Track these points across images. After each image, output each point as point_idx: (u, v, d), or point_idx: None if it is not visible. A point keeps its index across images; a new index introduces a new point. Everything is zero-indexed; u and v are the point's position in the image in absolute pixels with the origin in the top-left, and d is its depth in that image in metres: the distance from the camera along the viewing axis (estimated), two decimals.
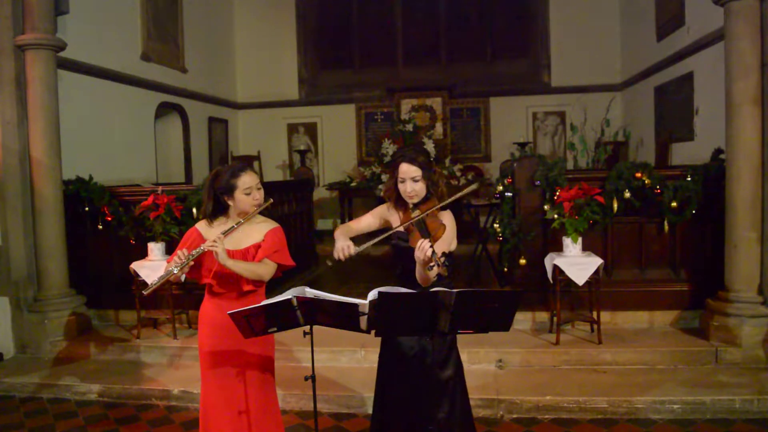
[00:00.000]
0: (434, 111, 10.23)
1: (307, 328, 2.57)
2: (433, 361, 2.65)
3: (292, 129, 11.03)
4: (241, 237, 2.80)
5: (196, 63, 9.06)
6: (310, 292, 2.44)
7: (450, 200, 2.61)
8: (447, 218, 2.64)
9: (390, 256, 2.83)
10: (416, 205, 2.64)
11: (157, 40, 8.05)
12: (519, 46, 10.68)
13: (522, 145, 9.34)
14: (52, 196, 5.16)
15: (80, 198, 5.44)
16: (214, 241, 2.62)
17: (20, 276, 5.16)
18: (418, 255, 2.36)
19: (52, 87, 5.18)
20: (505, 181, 5.23)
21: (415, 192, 2.63)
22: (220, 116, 10.16)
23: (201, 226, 2.87)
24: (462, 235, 9.22)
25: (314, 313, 2.48)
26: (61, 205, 5.24)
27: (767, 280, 4.42)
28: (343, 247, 2.58)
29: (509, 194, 5.14)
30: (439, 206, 2.61)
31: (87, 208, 5.45)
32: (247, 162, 10.03)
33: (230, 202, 2.80)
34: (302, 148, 10.58)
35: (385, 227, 2.78)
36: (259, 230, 2.84)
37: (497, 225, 5.25)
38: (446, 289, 2.28)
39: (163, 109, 8.32)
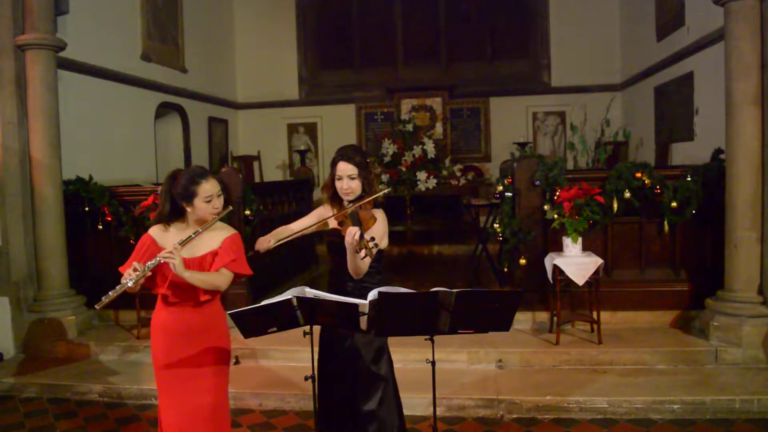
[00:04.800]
0: (434, 111, 10.23)
1: (307, 328, 2.57)
2: (365, 355, 2.79)
3: (292, 129, 11.03)
4: (197, 244, 2.67)
5: (196, 63, 9.06)
6: (310, 292, 2.45)
7: (371, 198, 2.74)
8: (379, 215, 2.76)
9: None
10: (351, 203, 2.77)
11: (157, 40, 8.06)
12: (519, 46, 10.69)
13: (522, 145, 9.34)
14: (52, 196, 5.16)
15: (80, 198, 5.44)
16: (171, 252, 2.49)
17: (20, 276, 5.16)
18: (348, 240, 2.44)
19: (52, 87, 5.18)
20: (505, 181, 5.23)
21: (351, 189, 2.76)
22: (220, 116, 10.16)
23: (155, 231, 2.72)
24: (462, 235, 9.18)
25: (314, 313, 2.48)
26: (61, 206, 5.24)
27: (767, 280, 4.42)
28: (264, 239, 2.78)
29: (509, 194, 5.14)
30: (370, 200, 2.76)
31: (87, 208, 5.45)
32: (248, 160, 10.05)
33: (188, 209, 2.65)
34: (302, 148, 10.59)
35: (325, 227, 2.91)
36: (216, 237, 2.71)
37: (497, 225, 5.25)
38: (446, 289, 2.28)
39: (163, 109, 8.32)
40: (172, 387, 2.72)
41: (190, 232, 2.64)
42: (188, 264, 2.60)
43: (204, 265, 2.68)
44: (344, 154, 2.79)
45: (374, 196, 2.74)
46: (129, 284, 2.49)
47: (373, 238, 2.41)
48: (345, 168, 2.75)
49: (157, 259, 2.52)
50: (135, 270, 2.50)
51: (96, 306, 2.61)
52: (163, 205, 2.69)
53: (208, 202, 2.64)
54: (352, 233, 2.42)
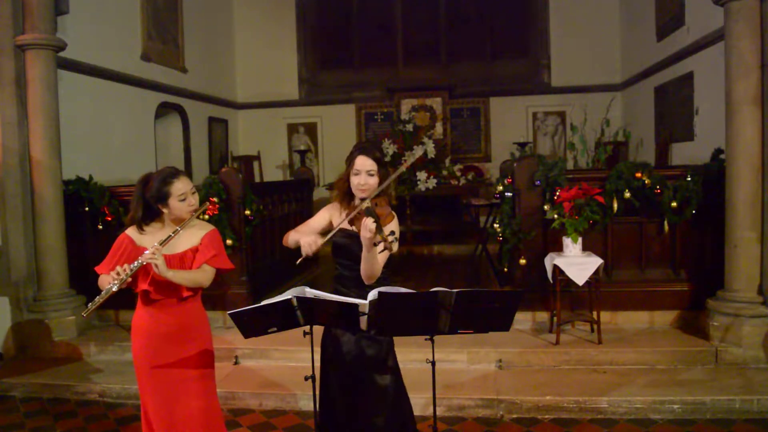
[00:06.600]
0: (434, 111, 10.22)
1: (307, 328, 2.57)
2: (371, 367, 2.65)
3: (292, 129, 11.03)
4: (177, 241, 2.68)
5: (196, 63, 9.06)
6: (310, 292, 2.44)
7: (392, 177, 2.56)
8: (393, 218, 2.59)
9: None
10: (363, 200, 2.55)
11: (157, 40, 8.05)
12: (519, 46, 10.69)
13: (522, 145, 9.34)
14: (52, 196, 5.16)
15: (80, 198, 5.44)
16: (153, 253, 2.50)
17: (20, 276, 5.16)
18: (363, 233, 2.30)
19: (52, 87, 5.18)
20: (505, 181, 5.24)
21: (369, 185, 2.57)
22: (220, 116, 10.16)
23: (132, 232, 2.72)
24: (462, 235, 9.20)
25: (314, 313, 2.48)
26: (61, 206, 5.24)
27: (767, 280, 4.42)
28: (309, 242, 2.49)
29: (509, 194, 5.14)
30: (392, 180, 2.57)
31: (87, 208, 5.45)
32: (248, 160, 10.04)
33: (164, 210, 2.67)
34: (302, 148, 10.58)
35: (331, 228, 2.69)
36: (195, 234, 2.75)
37: (497, 225, 5.25)
38: (446, 289, 2.28)
39: (163, 109, 8.31)
40: (160, 392, 2.73)
41: (167, 231, 2.66)
42: (169, 261, 2.63)
43: (185, 261, 2.70)
44: (363, 148, 2.62)
45: (394, 176, 2.53)
46: (113, 289, 2.52)
47: (393, 232, 2.24)
48: (364, 163, 2.57)
49: (140, 261, 2.54)
50: (118, 274, 2.51)
51: (83, 314, 2.65)
52: (136, 210, 2.70)
53: (183, 200, 2.67)
54: (367, 225, 2.26)
